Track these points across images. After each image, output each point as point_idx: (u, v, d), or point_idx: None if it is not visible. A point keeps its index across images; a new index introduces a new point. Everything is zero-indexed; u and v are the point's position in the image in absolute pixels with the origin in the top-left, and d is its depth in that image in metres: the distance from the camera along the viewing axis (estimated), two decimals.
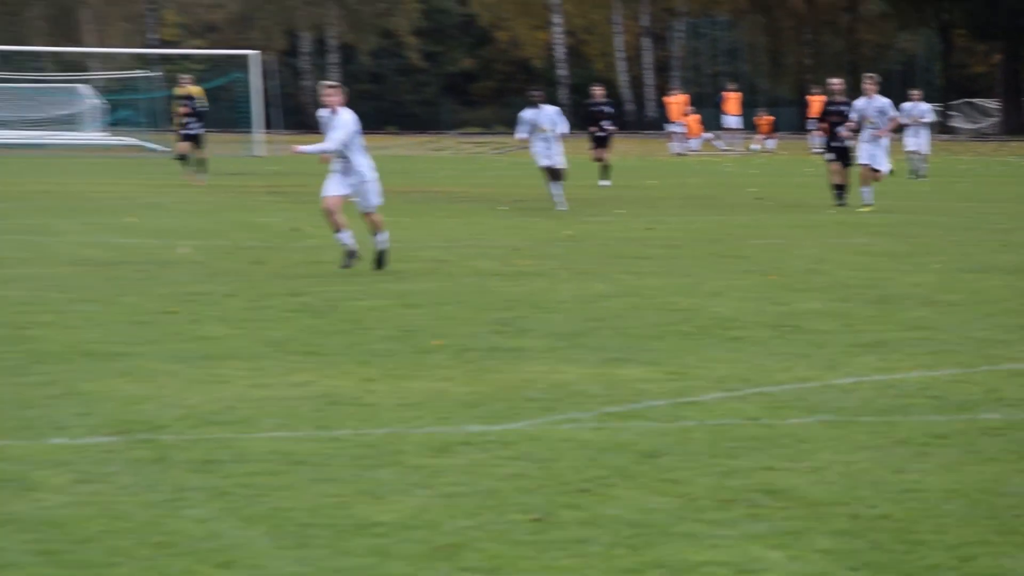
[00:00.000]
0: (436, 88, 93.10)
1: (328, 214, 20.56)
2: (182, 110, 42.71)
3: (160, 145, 60.48)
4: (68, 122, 67.33)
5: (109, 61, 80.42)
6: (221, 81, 68.84)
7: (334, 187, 20.59)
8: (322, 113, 20.65)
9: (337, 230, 20.55)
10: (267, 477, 9.57)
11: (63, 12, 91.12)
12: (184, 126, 42.44)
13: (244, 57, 64.78)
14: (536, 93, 34.94)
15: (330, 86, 20.88)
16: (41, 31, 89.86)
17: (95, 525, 8.46)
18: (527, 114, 33.75)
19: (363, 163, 20.61)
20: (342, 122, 20.33)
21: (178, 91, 44.44)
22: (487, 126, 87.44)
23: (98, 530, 8.36)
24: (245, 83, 63.66)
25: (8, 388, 12.38)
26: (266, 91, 64.00)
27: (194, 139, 42.32)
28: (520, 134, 33.98)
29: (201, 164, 42.08)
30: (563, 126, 33.99)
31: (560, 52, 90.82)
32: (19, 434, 10.74)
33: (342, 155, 20.45)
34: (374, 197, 20.62)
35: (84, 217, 30.49)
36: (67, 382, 12.64)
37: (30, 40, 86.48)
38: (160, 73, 54.94)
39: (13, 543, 8.12)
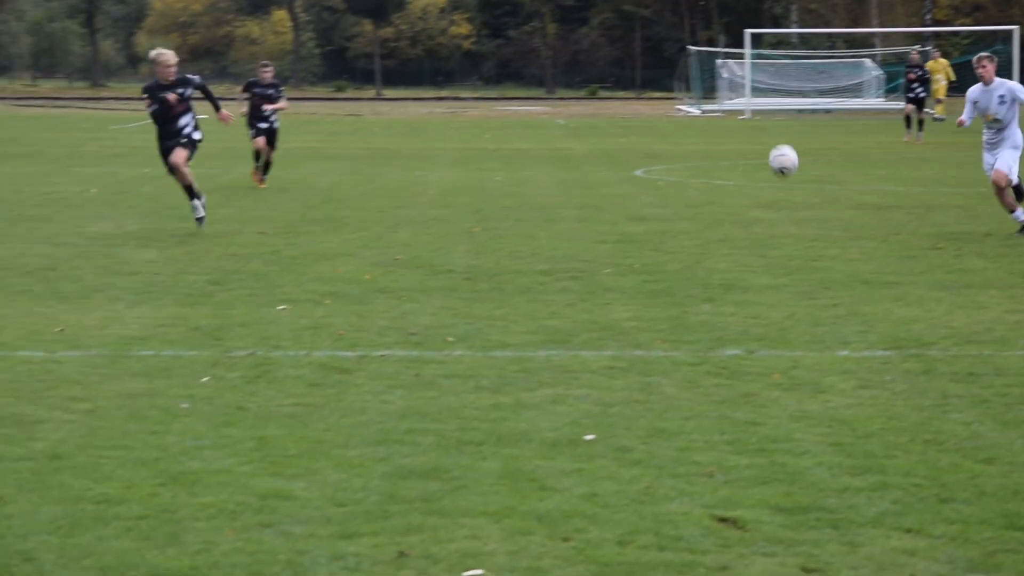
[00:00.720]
0: None
1: (997, 191, 17.79)
2: (911, 76, 41.24)
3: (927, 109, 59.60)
4: (853, 91, 67.28)
5: (887, 39, 79.75)
6: (984, 53, 67.03)
7: (992, 160, 17.70)
8: (973, 91, 17.86)
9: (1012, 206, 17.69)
10: (1022, 388, 9.28)
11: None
12: (912, 90, 40.92)
13: (1008, 32, 62.79)
14: None
15: (985, 58, 18.11)
16: (839, 15, 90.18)
17: (874, 423, 8.43)
18: None
19: (1016, 133, 17.74)
20: (1019, 90, 17.69)
21: (922, 62, 42.82)
22: None
23: (877, 428, 8.34)
24: (1007, 54, 61.64)
25: (802, 309, 12.51)
26: (1023, 61, 61.69)
27: (920, 103, 40.74)
28: None
29: (920, 124, 40.36)
30: None
31: None
32: (811, 346, 10.84)
33: (999, 124, 17.61)
34: (1015, 166, 17.57)
35: (863, 169, 30.37)
36: (849, 305, 12.65)
37: (830, 23, 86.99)
38: (930, 48, 53.94)
39: (808, 435, 8.20)
